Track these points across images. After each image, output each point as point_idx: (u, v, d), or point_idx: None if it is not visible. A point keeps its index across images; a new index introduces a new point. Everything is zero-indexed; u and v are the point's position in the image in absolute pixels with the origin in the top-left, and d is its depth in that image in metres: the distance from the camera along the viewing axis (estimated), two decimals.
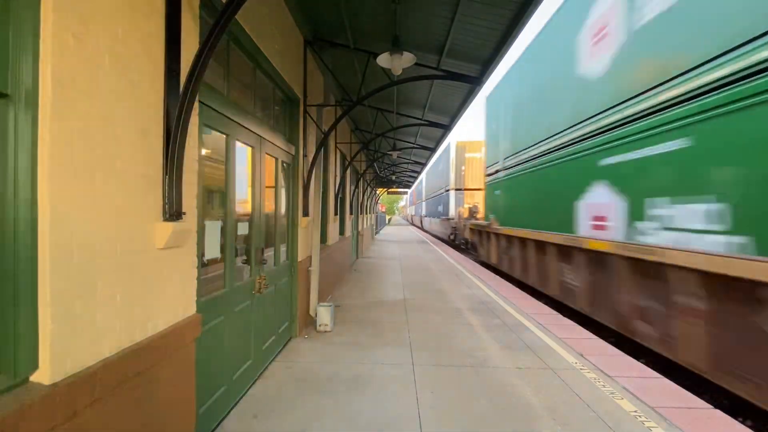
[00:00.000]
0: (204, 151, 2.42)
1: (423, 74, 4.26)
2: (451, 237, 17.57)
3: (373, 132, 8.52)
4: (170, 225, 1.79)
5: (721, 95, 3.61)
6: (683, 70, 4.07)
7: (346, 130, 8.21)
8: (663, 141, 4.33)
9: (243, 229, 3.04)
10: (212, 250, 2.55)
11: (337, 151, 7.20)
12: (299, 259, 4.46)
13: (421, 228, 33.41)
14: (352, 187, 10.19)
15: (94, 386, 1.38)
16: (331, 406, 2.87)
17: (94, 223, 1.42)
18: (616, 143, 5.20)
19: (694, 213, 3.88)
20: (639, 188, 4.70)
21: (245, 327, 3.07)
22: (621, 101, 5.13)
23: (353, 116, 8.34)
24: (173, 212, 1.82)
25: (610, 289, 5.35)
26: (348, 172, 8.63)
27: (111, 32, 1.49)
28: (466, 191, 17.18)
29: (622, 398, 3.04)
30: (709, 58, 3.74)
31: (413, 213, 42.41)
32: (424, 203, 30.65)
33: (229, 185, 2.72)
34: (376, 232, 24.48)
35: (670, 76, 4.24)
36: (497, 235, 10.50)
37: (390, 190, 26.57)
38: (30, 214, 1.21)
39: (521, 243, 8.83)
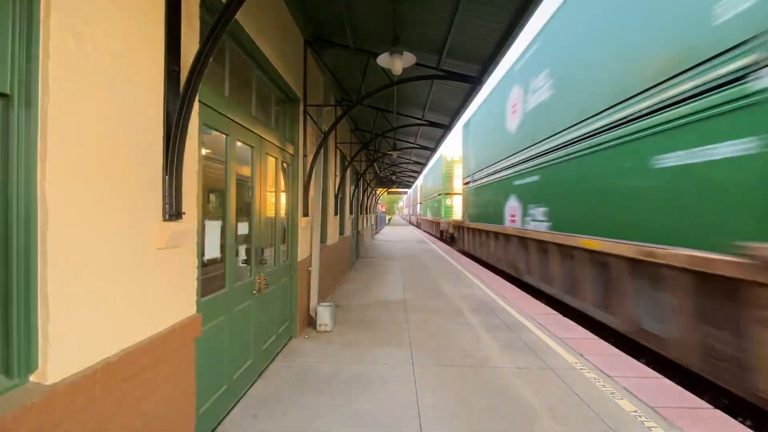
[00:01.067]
0: (204, 151, 2.42)
1: (423, 74, 4.26)
2: (416, 222, 38.52)
3: (373, 132, 8.51)
4: (170, 225, 1.79)
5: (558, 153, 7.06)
6: (544, 138, 7.65)
7: (346, 130, 8.20)
8: (535, 173, 8.08)
9: (243, 229, 3.04)
10: (212, 250, 2.55)
11: (337, 151, 7.20)
12: (299, 259, 4.46)
13: (409, 222, 52.54)
14: (352, 187, 10.19)
15: (94, 386, 1.38)
16: (331, 406, 2.87)
17: (94, 223, 1.42)
18: (529, 168, 8.42)
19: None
20: (544, 196, 7.78)
21: (245, 327, 3.07)
22: (522, 149, 8.79)
23: (353, 116, 8.34)
24: (173, 212, 1.82)
25: (513, 251, 9.48)
26: (348, 172, 8.63)
27: (111, 32, 1.49)
28: (421, 203, 33.89)
29: (622, 398, 3.04)
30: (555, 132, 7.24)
31: (406, 213, 65.43)
32: (411, 207, 53.60)
33: (229, 185, 2.72)
34: (376, 232, 24.53)
35: (539, 140, 7.84)
36: (423, 220, 28.57)
37: (390, 190, 26.61)
38: (30, 214, 1.21)
39: (432, 222, 22.46)
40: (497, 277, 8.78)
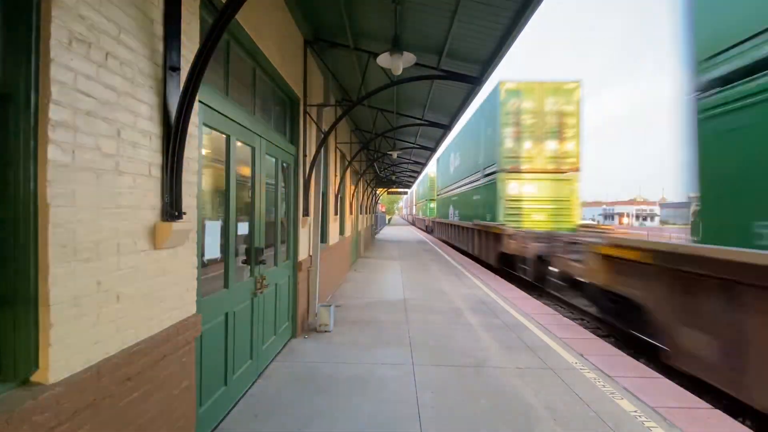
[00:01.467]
0: (204, 151, 2.42)
1: (423, 74, 4.26)
2: (412, 221, 50.17)
3: (373, 132, 8.51)
4: (170, 225, 1.79)
5: (461, 190, 17.14)
6: (458, 180, 17.92)
7: (346, 130, 8.21)
8: (456, 196, 18.43)
9: (243, 229, 3.04)
10: (212, 250, 2.55)
11: (337, 151, 7.20)
12: (299, 259, 4.46)
13: (407, 222, 61.14)
14: (352, 187, 10.19)
15: (95, 386, 1.38)
16: (331, 405, 2.87)
17: (94, 223, 1.42)
18: (454, 193, 18.61)
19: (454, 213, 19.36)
20: (457, 207, 18.32)
21: (245, 327, 3.07)
22: (454, 182, 18.69)
23: (353, 116, 8.34)
24: (173, 212, 1.82)
25: (464, 236, 16.22)
26: (348, 172, 8.63)
27: (111, 32, 1.49)
28: (416, 205, 44.69)
29: (622, 398, 3.04)
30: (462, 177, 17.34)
31: (406, 213, 73.12)
32: (409, 208, 63.40)
33: (229, 185, 2.72)
34: (376, 232, 24.58)
35: (456, 181, 18.17)
36: (416, 219, 43.74)
37: (390, 190, 26.63)
38: (30, 214, 1.21)
39: (422, 219, 37.04)
40: (497, 277, 8.79)
